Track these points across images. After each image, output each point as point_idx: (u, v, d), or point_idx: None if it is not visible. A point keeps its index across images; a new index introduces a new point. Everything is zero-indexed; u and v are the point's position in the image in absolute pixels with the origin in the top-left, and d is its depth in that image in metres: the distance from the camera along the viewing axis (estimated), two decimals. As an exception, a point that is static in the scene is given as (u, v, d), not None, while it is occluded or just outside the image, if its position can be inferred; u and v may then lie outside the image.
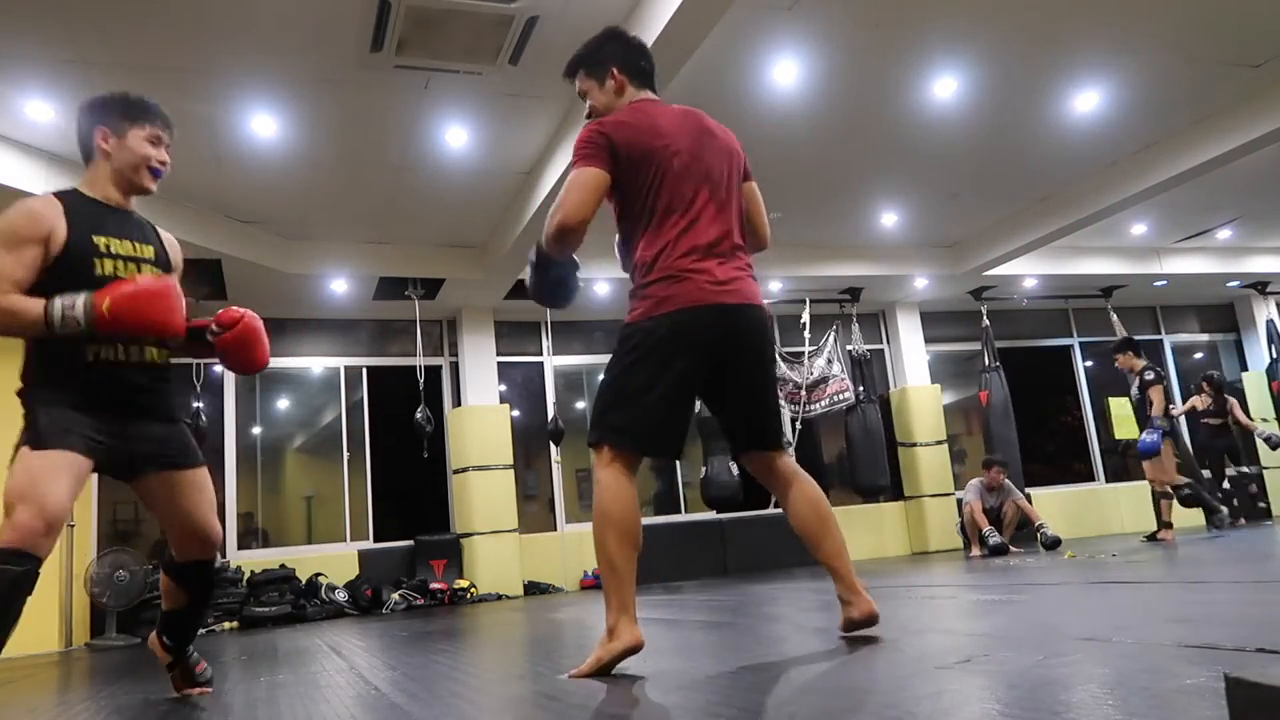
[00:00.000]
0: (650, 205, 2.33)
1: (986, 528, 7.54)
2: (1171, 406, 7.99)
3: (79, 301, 2.15)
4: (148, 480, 2.36)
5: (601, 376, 2.40)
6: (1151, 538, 6.96)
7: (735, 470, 8.36)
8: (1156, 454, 6.83)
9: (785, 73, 5.42)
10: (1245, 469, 8.95)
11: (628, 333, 2.32)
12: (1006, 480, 7.84)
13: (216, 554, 2.55)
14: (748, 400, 2.43)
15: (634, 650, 2.21)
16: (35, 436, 2.15)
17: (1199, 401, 8.93)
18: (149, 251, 2.44)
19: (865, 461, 9.03)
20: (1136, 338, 11.32)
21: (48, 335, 2.16)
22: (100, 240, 2.31)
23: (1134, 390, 7.16)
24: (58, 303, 2.15)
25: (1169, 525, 6.97)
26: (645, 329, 2.28)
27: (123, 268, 2.33)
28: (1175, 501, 7.07)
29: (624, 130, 2.33)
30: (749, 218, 2.51)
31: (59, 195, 2.35)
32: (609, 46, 2.54)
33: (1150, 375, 6.99)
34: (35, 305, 2.15)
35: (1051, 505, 9.94)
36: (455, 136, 5.87)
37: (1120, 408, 9.44)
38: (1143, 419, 7.10)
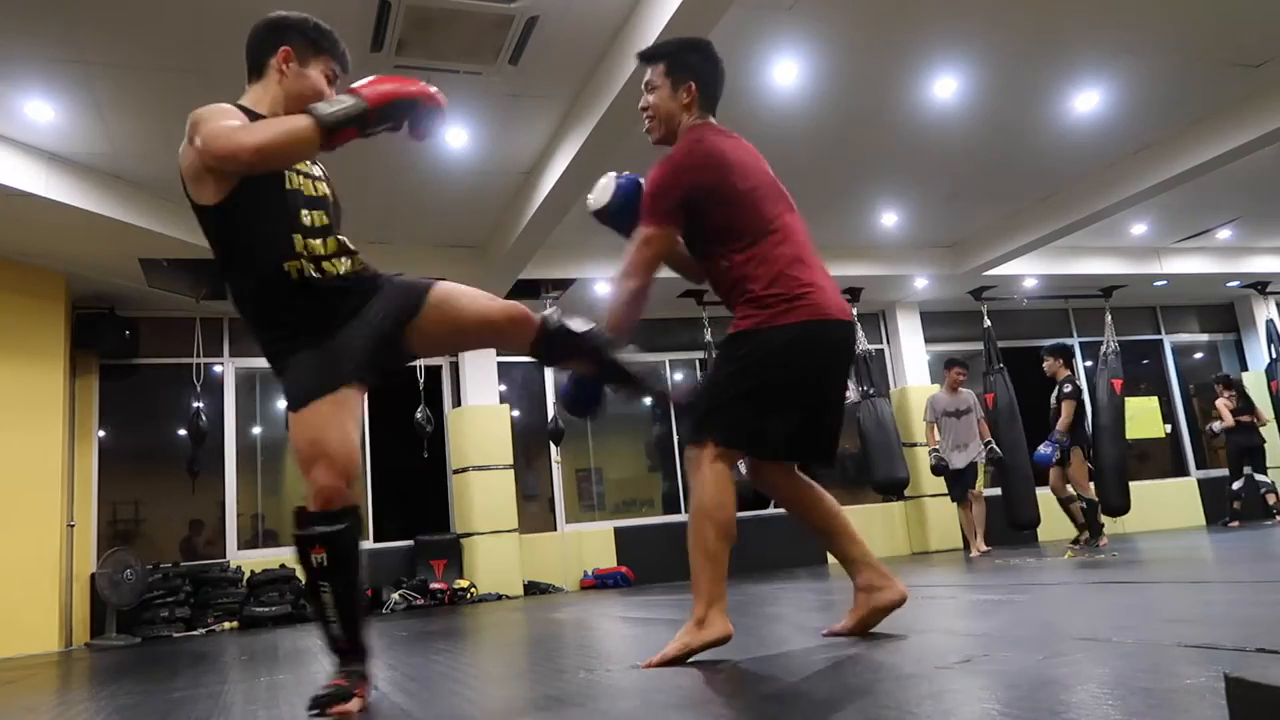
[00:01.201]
0: (740, 226, 2.37)
1: (932, 446, 7.41)
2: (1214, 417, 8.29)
3: (341, 96, 2.07)
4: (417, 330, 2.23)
5: (708, 374, 2.48)
6: (1077, 542, 6.80)
7: (744, 469, 8.31)
8: (1049, 466, 6.88)
9: (785, 73, 5.42)
10: (1262, 476, 8.95)
11: (741, 338, 2.36)
12: (967, 391, 7.59)
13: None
14: (834, 413, 2.50)
15: (724, 641, 2.26)
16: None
17: (1227, 403, 9.02)
18: (315, 169, 2.30)
19: (882, 455, 8.78)
20: (1138, 338, 11.39)
21: (321, 138, 2.01)
22: None
23: (1054, 398, 7.12)
24: (320, 104, 2.06)
25: (1085, 528, 6.88)
26: (764, 337, 2.32)
27: (306, 184, 2.20)
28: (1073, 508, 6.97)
29: (696, 173, 2.38)
30: None
31: (242, 108, 2.20)
32: (696, 57, 2.55)
33: (1068, 388, 6.90)
34: (299, 116, 2.04)
35: (1051, 505, 9.94)
36: (455, 136, 5.87)
37: (1129, 408, 9.45)
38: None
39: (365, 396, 2.18)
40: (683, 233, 2.44)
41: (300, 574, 2.02)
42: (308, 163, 2.25)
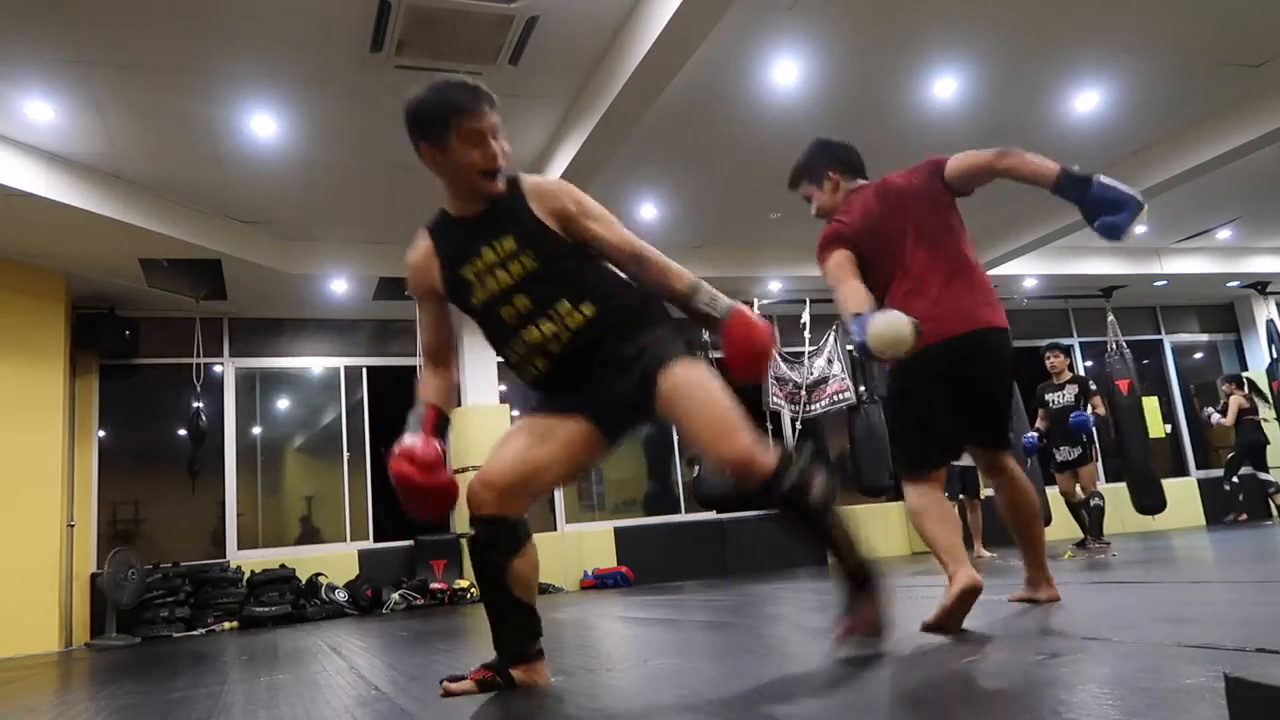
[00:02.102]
0: (875, 273, 2.69)
1: None
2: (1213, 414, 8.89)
3: (720, 298, 2.12)
4: None
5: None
6: (1083, 545, 6.46)
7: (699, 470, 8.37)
8: (1035, 453, 6.78)
9: (785, 73, 5.42)
10: (1265, 474, 9.08)
11: (890, 375, 2.79)
12: None
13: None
14: (983, 408, 2.74)
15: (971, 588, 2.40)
16: None
17: (1242, 400, 9.12)
18: (506, 245, 2.09)
19: (869, 462, 8.97)
20: (1138, 338, 11.39)
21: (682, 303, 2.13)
22: (467, 271, 2.13)
23: (1061, 396, 6.62)
24: (706, 287, 2.14)
25: (1091, 530, 6.48)
26: (898, 370, 2.68)
27: (493, 281, 2.10)
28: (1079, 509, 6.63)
29: (839, 234, 2.74)
30: (966, 174, 2.82)
31: (430, 230, 2.27)
32: (822, 154, 2.99)
33: (1093, 386, 6.67)
34: (687, 274, 2.13)
35: (1052, 504, 9.95)
36: (455, 136, 5.86)
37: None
38: (1063, 421, 6.56)
39: (578, 424, 2.10)
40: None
41: None
42: (491, 249, 2.11)
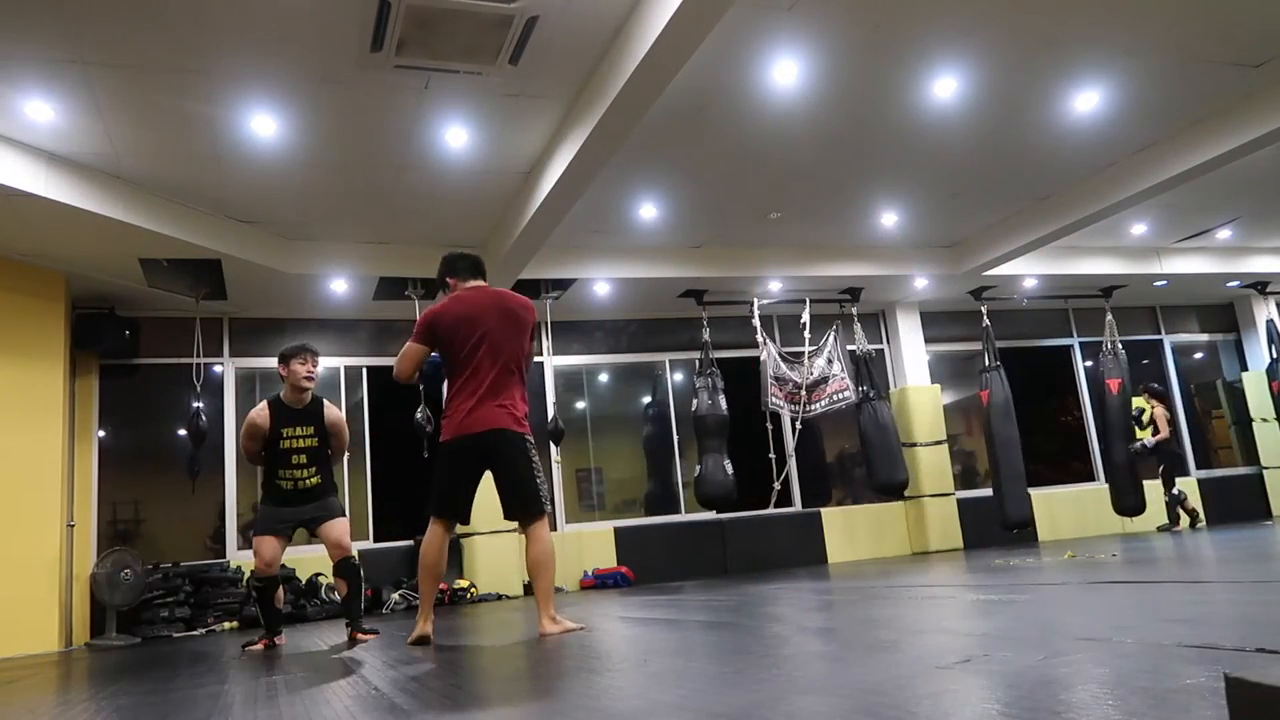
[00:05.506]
0: None
1: None
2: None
3: None
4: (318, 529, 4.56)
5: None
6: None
7: (729, 469, 8.35)
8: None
9: (785, 73, 5.42)
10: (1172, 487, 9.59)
11: None
12: None
13: (351, 555, 4.57)
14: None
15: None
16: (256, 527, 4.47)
17: (1165, 412, 9.62)
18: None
19: (883, 458, 8.86)
20: (1138, 338, 11.40)
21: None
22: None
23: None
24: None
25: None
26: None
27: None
28: None
29: None
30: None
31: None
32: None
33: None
34: None
35: (1052, 504, 9.96)
36: (455, 136, 5.87)
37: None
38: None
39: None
40: None
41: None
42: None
